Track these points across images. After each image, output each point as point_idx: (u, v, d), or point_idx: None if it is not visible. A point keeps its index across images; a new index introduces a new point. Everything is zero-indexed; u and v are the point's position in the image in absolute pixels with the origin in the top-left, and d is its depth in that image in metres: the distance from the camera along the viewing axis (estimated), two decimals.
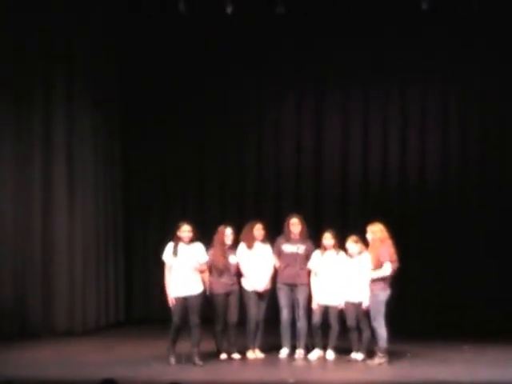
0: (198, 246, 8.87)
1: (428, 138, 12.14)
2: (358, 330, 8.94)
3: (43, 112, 10.95)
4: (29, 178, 10.82)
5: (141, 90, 12.36)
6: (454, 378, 8.00)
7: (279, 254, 9.39)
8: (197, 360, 8.68)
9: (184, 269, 8.76)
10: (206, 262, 8.91)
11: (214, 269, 9.03)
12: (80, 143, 11.30)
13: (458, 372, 8.34)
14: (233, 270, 9.13)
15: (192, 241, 8.80)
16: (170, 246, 8.86)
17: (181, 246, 8.80)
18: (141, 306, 12.52)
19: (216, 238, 9.16)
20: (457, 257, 11.75)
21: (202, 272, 8.85)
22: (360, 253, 8.96)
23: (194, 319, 8.70)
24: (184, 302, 8.71)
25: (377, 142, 12.23)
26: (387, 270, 8.71)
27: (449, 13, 11.55)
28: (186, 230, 8.79)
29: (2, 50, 10.54)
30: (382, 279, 8.72)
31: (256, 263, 9.25)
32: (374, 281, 8.71)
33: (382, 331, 8.67)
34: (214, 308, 9.04)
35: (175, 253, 8.76)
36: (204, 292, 8.85)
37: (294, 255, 9.22)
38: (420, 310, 11.70)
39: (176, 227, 8.85)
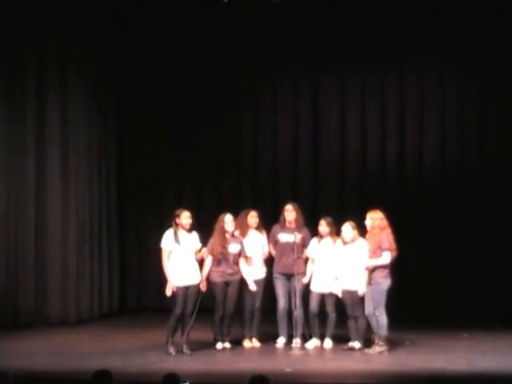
0: (195, 234, 8.82)
1: (426, 125, 12.04)
2: (355, 318, 8.87)
3: (36, 99, 10.85)
4: (22, 166, 10.73)
5: (136, 76, 12.29)
6: (452, 366, 7.97)
7: (275, 242, 9.32)
8: (185, 349, 8.63)
9: (186, 257, 8.70)
10: (200, 249, 8.83)
11: (212, 257, 8.93)
12: (74, 130, 11.22)
13: (456, 360, 8.30)
14: (232, 258, 8.99)
15: (192, 228, 8.74)
16: (169, 233, 8.76)
17: (181, 233, 8.72)
18: (135, 296, 12.46)
19: (216, 225, 9.04)
20: (456, 244, 11.69)
21: (201, 260, 8.77)
22: (353, 240, 8.88)
23: (189, 308, 8.65)
24: (186, 291, 8.65)
25: (374, 129, 12.15)
26: (387, 258, 8.65)
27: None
28: (187, 217, 8.72)
29: None
30: (384, 267, 8.67)
31: (250, 251, 9.15)
32: (375, 269, 8.65)
33: (383, 319, 8.63)
34: (214, 297, 8.94)
35: (177, 240, 8.67)
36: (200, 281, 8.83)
37: (291, 244, 9.14)
38: (418, 298, 11.65)
39: (175, 215, 8.76)
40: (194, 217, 8.95)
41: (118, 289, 12.20)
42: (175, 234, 8.71)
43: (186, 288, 8.68)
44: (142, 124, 12.45)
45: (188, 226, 8.74)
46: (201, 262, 8.92)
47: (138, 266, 12.42)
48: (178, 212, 8.79)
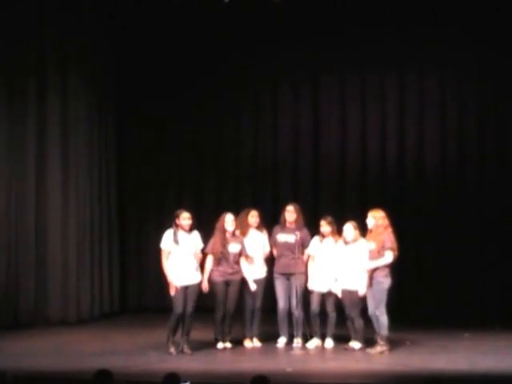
0: (196, 234, 8.82)
1: (426, 125, 12.02)
2: (351, 319, 8.85)
3: (37, 99, 10.84)
4: (22, 166, 10.71)
5: (136, 76, 12.28)
6: (453, 366, 7.95)
7: (275, 243, 9.30)
8: (186, 348, 8.63)
9: (185, 257, 8.69)
10: (204, 250, 8.84)
11: (213, 257, 8.92)
12: (74, 131, 11.21)
13: (458, 360, 8.28)
14: (232, 258, 8.98)
15: (191, 229, 8.73)
16: (169, 233, 8.78)
17: (181, 233, 8.72)
18: (136, 295, 12.44)
19: (217, 225, 9.03)
20: (457, 244, 11.66)
21: (198, 260, 8.77)
22: (355, 240, 8.87)
23: (190, 308, 8.65)
24: (185, 290, 8.65)
25: (374, 129, 12.13)
26: (389, 258, 8.64)
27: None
28: (186, 218, 8.73)
29: None
30: (386, 266, 8.67)
31: (250, 251, 9.14)
32: (377, 268, 8.64)
33: (383, 319, 8.62)
34: (214, 296, 8.93)
35: (176, 241, 8.67)
36: (201, 281, 8.81)
37: (290, 244, 9.13)
38: (419, 298, 11.63)
39: (175, 215, 8.78)
40: (195, 217, 8.95)
41: (118, 288, 12.18)
42: (175, 234, 8.72)
43: (186, 288, 8.67)
44: (143, 124, 12.43)
45: (187, 227, 8.73)
46: (201, 263, 8.92)
47: (139, 266, 12.40)
48: (177, 212, 8.80)
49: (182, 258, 8.70)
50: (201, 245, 8.84)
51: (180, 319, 8.67)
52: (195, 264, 8.78)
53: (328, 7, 11.69)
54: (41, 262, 10.81)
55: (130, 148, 12.49)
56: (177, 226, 8.74)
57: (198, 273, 8.80)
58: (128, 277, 12.42)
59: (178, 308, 8.63)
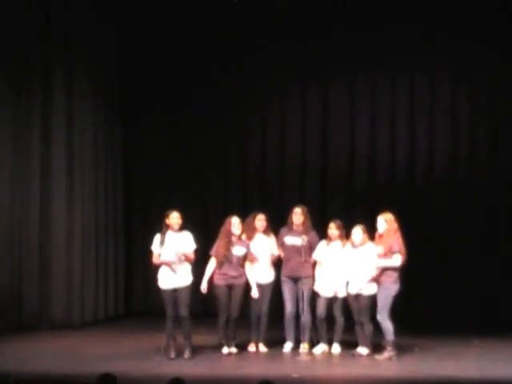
0: (187, 235, 8.68)
1: (436, 126, 12.00)
2: (361, 324, 8.76)
3: (42, 99, 10.81)
4: (27, 167, 10.68)
5: (141, 77, 12.25)
6: (463, 372, 7.86)
7: (282, 245, 9.21)
8: (186, 353, 8.52)
9: (172, 258, 8.56)
10: (195, 251, 8.73)
11: (216, 260, 8.84)
12: (79, 131, 11.19)
13: (467, 367, 8.19)
14: (236, 261, 8.87)
15: (181, 229, 8.63)
16: (158, 236, 8.71)
17: (169, 234, 8.64)
18: (140, 299, 12.38)
19: (223, 228, 8.94)
20: (466, 249, 11.60)
21: (189, 261, 8.64)
22: (363, 244, 8.78)
23: (183, 311, 8.54)
24: (174, 293, 8.55)
25: (383, 131, 12.10)
26: (397, 260, 8.54)
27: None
28: (175, 217, 8.63)
29: (0, 38, 10.41)
30: (394, 272, 8.57)
31: (257, 254, 9.05)
32: (385, 273, 8.55)
33: (387, 324, 8.54)
34: (216, 300, 8.85)
35: (162, 242, 8.59)
36: (193, 283, 8.68)
37: (298, 247, 9.04)
38: (428, 304, 11.56)
39: (164, 216, 8.70)
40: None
41: (123, 292, 12.14)
42: (162, 236, 8.63)
43: (174, 291, 8.56)
44: (149, 125, 12.38)
45: (176, 226, 8.62)
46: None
47: (144, 269, 12.31)
48: (167, 213, 8.73)
49: (169, 259, 8.57)
50: (192, 246, 8.68)
51: (172, 322, 8.58)
52: (184, 266, 8.61)
53: (337, 8, 11.68)
54: (45, 264, 10.76)
55: (136, 150, 12.44)
56: (166, 226, 8.64)
57: (188, 275, 8.64)
58: (133, 280, 12.38)
59: (167, 311, 8.58)
